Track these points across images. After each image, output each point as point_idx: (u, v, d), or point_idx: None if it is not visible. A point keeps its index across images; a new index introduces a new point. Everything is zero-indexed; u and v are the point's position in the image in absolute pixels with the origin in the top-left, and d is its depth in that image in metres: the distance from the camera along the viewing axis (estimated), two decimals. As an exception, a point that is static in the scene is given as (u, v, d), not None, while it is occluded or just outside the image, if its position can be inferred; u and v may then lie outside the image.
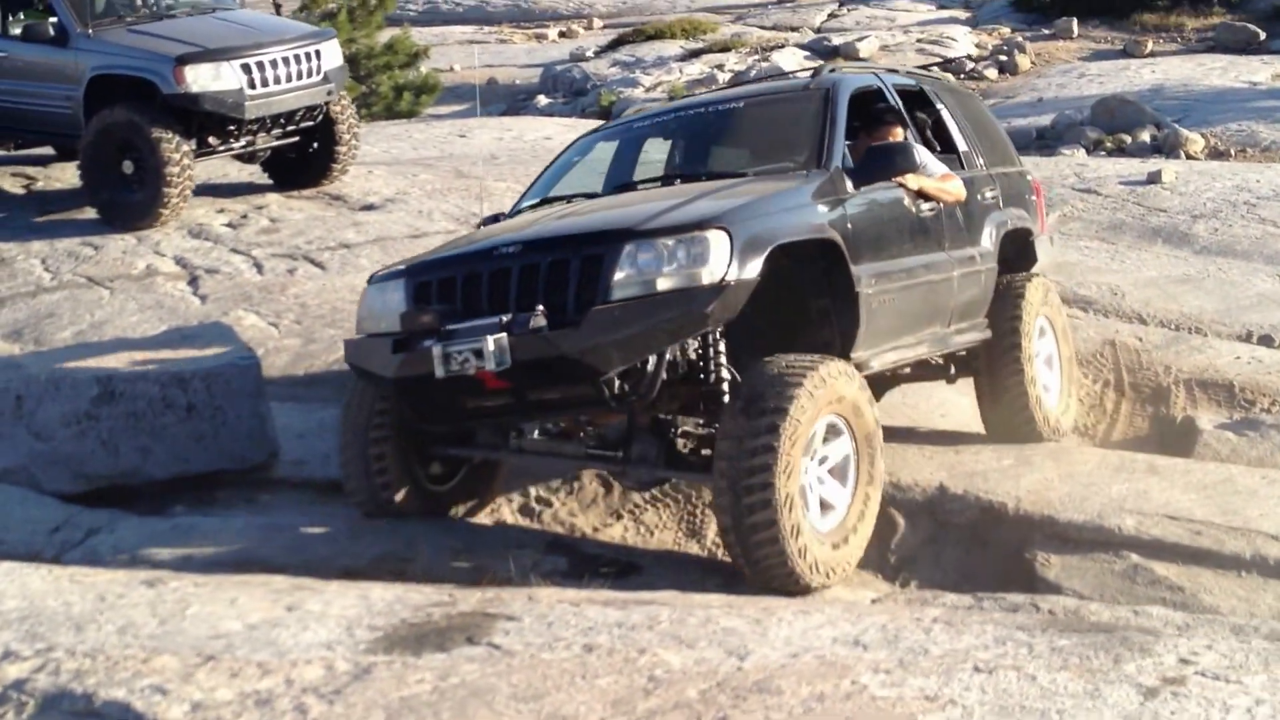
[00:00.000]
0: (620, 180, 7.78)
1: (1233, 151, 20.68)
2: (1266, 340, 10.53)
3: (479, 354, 5.82)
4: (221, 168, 13.77)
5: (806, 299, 6.69)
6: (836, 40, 32.82)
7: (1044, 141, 22.34)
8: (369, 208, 12.67)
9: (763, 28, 42.09)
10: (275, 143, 12.68)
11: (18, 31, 12.43)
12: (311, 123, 12.66)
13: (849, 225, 6.63)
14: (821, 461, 6.09)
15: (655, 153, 8.11)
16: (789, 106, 7.61)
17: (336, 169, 13.25)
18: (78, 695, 4.26)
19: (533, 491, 7.65)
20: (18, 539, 6.96)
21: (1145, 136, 21.29)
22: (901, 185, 7.21)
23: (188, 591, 5.25)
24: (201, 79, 11.58)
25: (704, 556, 7.09)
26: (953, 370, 8.32)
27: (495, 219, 7.88)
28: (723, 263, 5.80)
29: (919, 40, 33.45)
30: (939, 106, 8.43)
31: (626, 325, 5.74)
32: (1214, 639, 4.57)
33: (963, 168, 8.25)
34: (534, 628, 4.70)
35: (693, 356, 6.17)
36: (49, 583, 5.40)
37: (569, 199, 7.59)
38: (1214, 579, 6.46)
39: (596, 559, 6.69)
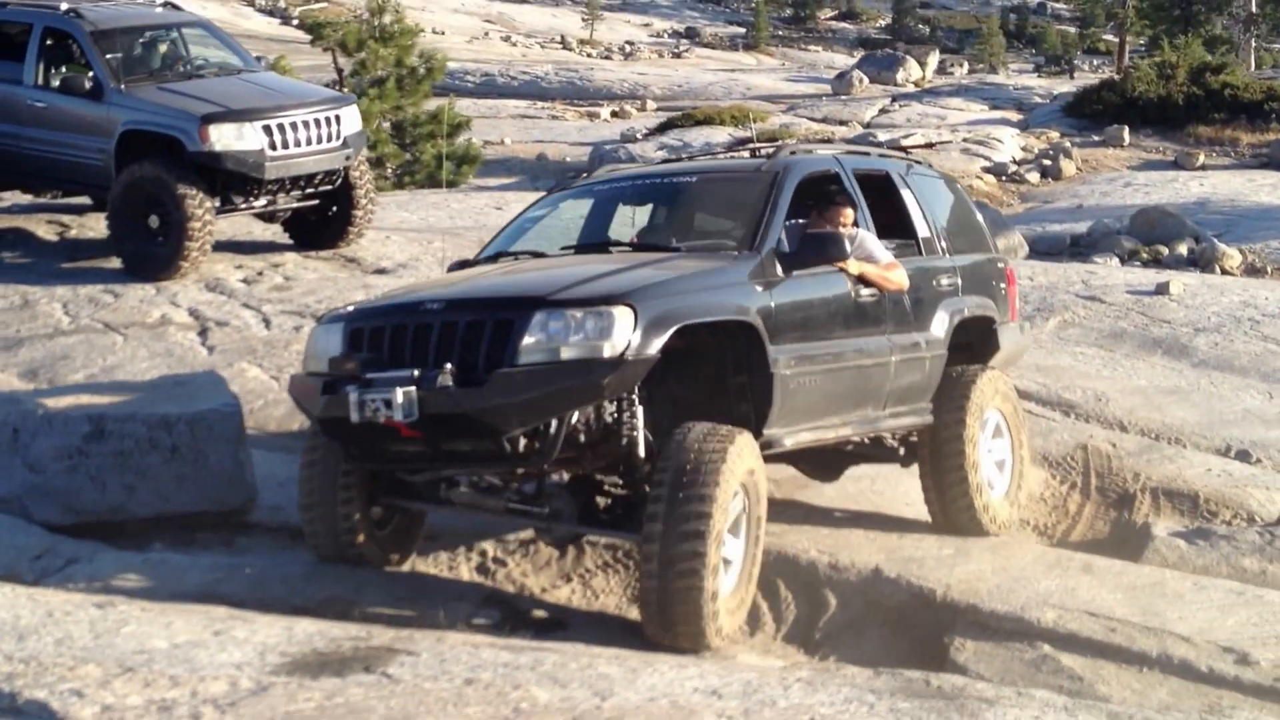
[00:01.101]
0: (570, 241, 8.29)
1: (1269, 269, 21.03)
2: (1244, 455, 10.83)
3: (389, 404, 6.32)
4: (246, 226, 14.47)
5: (725, 375, 7.15)
6: (883, 136, 33.36)
7: (1077, 249, 22.65)
8: (380, 271, 13.33)
9: (812, 119, 42.82)
10: (295, 204, 13.37)
11: (56, 84, 13.22)
12: (330, 186, 13.34)
13: (772, 307, 7.10)
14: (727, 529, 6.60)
15: (612, 217, 8.58)
16: (737, 186, 8.13)
17: (353, 232, 13.91)
18: (4, 694, 4.78)
19: (489, 551, 8.13)
20: (1, 563, 7.52)
21: (1183, 249, 21.47)
22: (842, 270, 7.68)
23: (130, 614, 5.79)
24: (225, 138, 12.30)
25: (639, 620, 7.56)
26: (902, 453, 8.78)
27: (464, 264, 8.41)
28: (624, 337, 6.29)
29: (965, 140, 33.96)
30: (903, 192, 8.84)
31: (527, 389, 6.24)
32: (1044, 711, 5.01)
33: (920, 254, 8.68)
34: (428, 662, 5.21)
35: (609, 419, 6.67)
36: (7, 598, 5.96)
37: (517, 255, 8.09)
38: (1115, 672, 6.85)
39: (528, 615, 7.18)
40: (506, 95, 56.76)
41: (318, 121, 12.88)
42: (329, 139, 12.96)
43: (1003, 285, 9.51)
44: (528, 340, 6.31)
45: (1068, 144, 34.07)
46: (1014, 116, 40.00)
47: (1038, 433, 10.56)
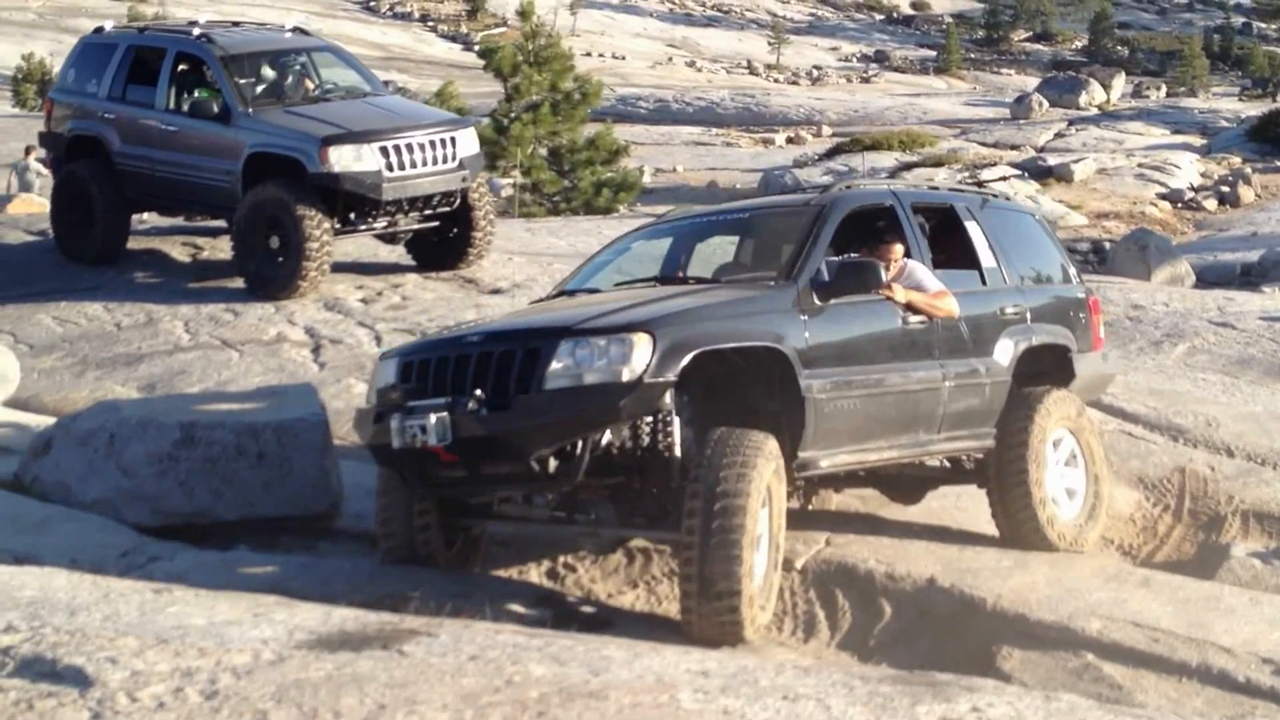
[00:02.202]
0: (625, 278, 8.91)
1: None
2: (1345, 482, 10.89)
3: (424, 429, 6.97)
4: (372, 248, 15.21)
5: (759, 399, 7.63)
6: (1053, 161, 33.35)
7: (1247, 278, 22.46)
8: (495, 291, 13.94)
9: (983, 144, 42.87)
10: (415, 225, 14.06)
11: (186, 108, 14.12)
12: (448, 208, 13.99)
13: (806, 334, 7.59)
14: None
15: (670, 254, 9.19)
16: (785, 220, 8.73)
17: (472, 254, 14.55)
18: (47, 660, 5.36)
19: (561, 559, 8.64)
20: (89, 559, 8.19)
21: (1357, 280, 21.29)
22: (889, 298, 8.13)
23: (181, 598, 6.35)
24: (344, 159, 13.02)
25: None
26: (976, 474, 9.14)
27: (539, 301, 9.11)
28: (642, 362, 6.84)
29: (1140, 165, 33.70)
30: (967, 224, 9.25)
31: (550, 412, 6.86)
32: (1020, 698, 5.33)
33: (984, 284, 9.08)
34: (443, 642, 5.67)
35: (646, 439, 7.17)
36: (71, 581, 6.60)
37: (575, 292, 8.77)
38: (1154, 681, 7.06)
39: (578, 612, 7.65)
40: (681, 121, 57.61)
41: (434, 143, 13.55)
42: (445, 160, 13.62)
43: (1083, 315, 9.86)
44: (554, 366, 6.90)
45: (1248, 170, 33.65)
46: (1197, 141, 39.59)
47: (1135, 455, 10.73)
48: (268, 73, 14.63)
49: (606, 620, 7.65)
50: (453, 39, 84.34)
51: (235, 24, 16.14)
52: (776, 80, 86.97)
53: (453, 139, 13.76)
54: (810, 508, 9.48)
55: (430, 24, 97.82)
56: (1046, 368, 9.34)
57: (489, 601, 7.46)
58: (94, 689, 5.23)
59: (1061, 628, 7.52)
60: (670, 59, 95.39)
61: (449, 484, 7.53)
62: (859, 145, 40.64)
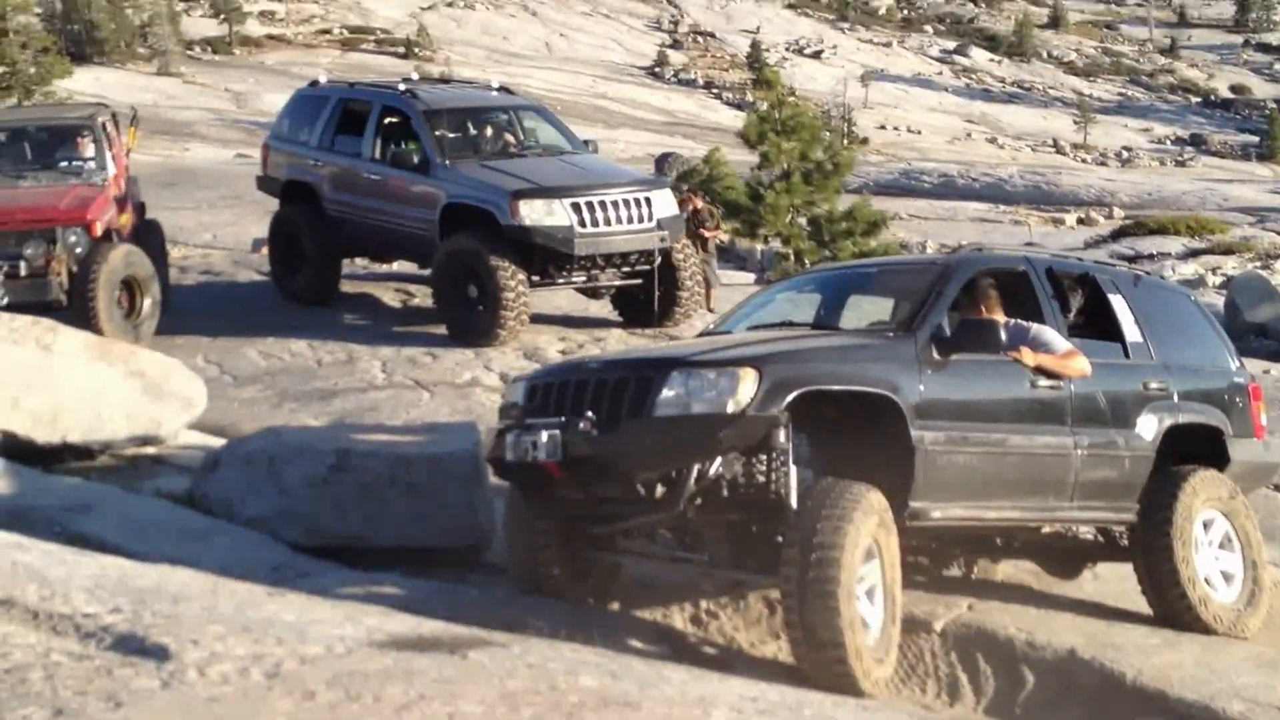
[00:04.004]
0: (756, 323, 9.40)
1: None
2: None
3: (535, 445, 7.55)
4: (584, 303, 15.86)
5: (874, 447, 7.89)
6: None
7: None
8: (695, 350, 14.42)
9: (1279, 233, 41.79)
10: (617, 281, 14.70)
11: (389, 158, 15.10)
12: (648, 266, 14.58)
13: (920, 385, 7.92)
14: (860, 580, 7.30)
15: (806, 303, 9.71)
16: (912, 277, 9.18)
17: (679, 312, 15.10)
18: (139, 637, 5.93)
19: (704, 605, 9.01)
20: (240, 570, 8.80)
21: None
22: (1017, 360, 8.40)
23: (286, 599, 6.96)
24: (535, 213, 13.76)
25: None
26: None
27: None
28: (748, 396, 7.27)
29: None
30: (1111, 297, 9.47)
31: (654, 438, 7.38)
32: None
33: (1126, 357, 9.28)
34: (510, 652, 6.07)
35: (759, 474, 7.52)
36: (191, 575, 7.24)
37: (712, 334, 9.44)
38: (1283, 766, 7.12)
39: (697, 652, 8.01)
40: (967, 197, 57.40)
41: (627, 202, 14.19)
42: (641, 220, 14.25)
43: (1240, 400, 9.92)
44: (665, 394, 7.39)
45: None
46: None
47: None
48: (469, 127, 15.56)
49: (726, 663, 7.94)
50: (738, 106, 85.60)
51: (444, 81, 17.21)
52: (1084, 160, 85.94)
53: (648, 199, 14.42)
54: (973, 575, 9.71)
55: (715, 91, 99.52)
56: (1199, 450, 9.45)
57: (601, 631, 7.85)
58: (169, 663, 5.77)
59: (1202, 706, 7.56)
60: (969, 134, 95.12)
61: (565, 504, 8.04)
62: (1144, 229, 40.12)
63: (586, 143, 16.40)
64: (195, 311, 15.86)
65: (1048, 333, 8.76)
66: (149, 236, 16.14)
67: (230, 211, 33.34)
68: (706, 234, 21.49)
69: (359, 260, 17.39)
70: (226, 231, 28.88)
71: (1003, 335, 8.29)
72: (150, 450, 10.92)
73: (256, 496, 9.46)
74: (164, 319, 14.86)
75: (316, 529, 9.35)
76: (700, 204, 22.39)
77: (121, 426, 10.68)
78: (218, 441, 10.88)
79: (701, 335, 9.51)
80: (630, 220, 14.25)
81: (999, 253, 9.92)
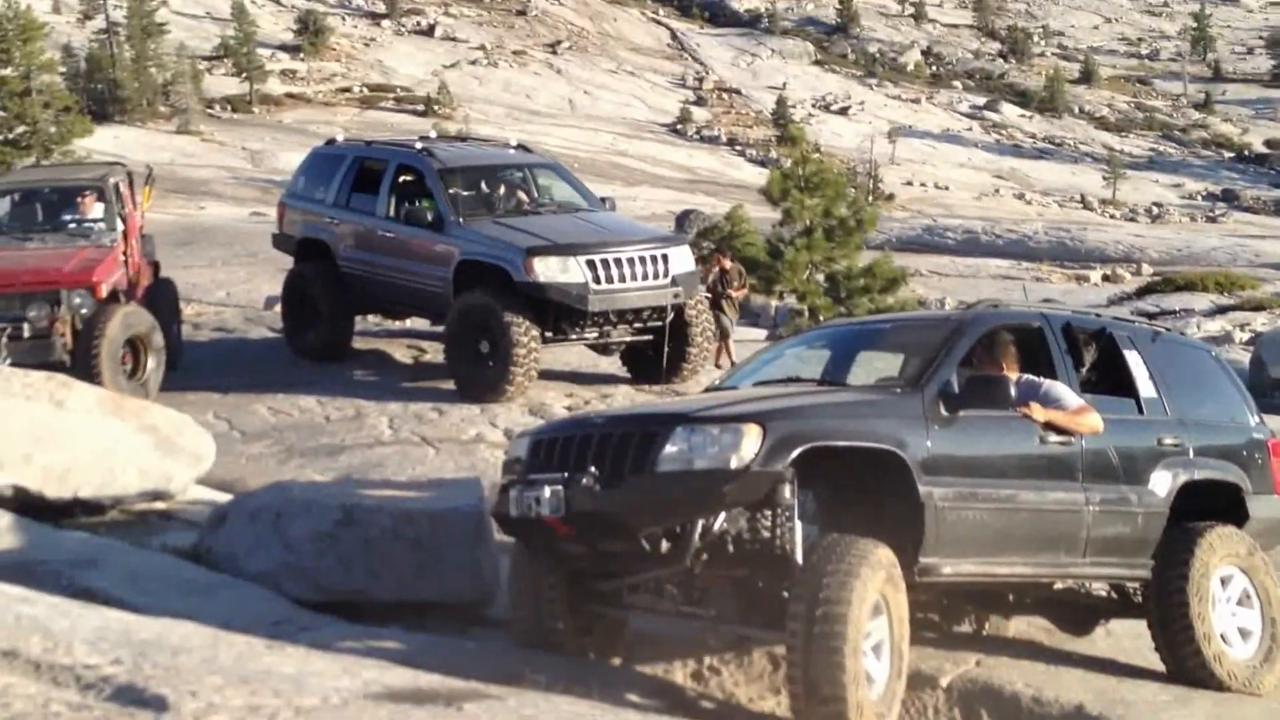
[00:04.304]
0: (762, 378, 9.48)
1: None
2: None
3: (539, 500, 7.66)
4: (593, 358, 16.02)
5: (882, 504, 7.97)
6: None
7: None
8: (700, 407, 14.58)
9: (1314, 290, 41.79)
10: (627, 338, 14.87)
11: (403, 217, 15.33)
12: (660, 322, 14.74)
13: (928, 442, 7.97)
14: (866, 636, 7.39)
15: (813, 359, 9.85)
16: (922, 333, 9.30)
17: (687, 369, 15.21)
18: (138, 688, 6.05)
19: (706, 660, 9.10)
20: (242, 624, 8.92)
21: None
22: (1027, 416, 8.45)
23: (285, 651, 7.08)
24: (549, 270, 13.94)
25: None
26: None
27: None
28: (751, 452, 7.34)
29: None
30: (1126, 353, 9.52)
31: (658, 492, 7.45)
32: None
33: (1140, 413, 9.33)
34: (504, 705, 6.16)
35: (764, 529, 7.59)
36: (193, 629, 7.37)
37: (718, 390, 9.56)
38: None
39: (694, 706, 8.10)
40: (990, 254, 57.42)
41: (643, 259, 14.37)
42: (657, 276, 14.42)
43: (1260, 456, 9.95)
44: (669, 450, 7.47)
45: None
46: None
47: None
48: (484, 185, 15.81)
49: (724, 717, 8.05)
50: (761, 163, 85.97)
51: (461, 139, 17.47)
52: (1112, 216, 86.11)
53: (664, 255, 14.59)
54: (984, 632, 9.79)
55: (738, 148, 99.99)
56: (1218, 506, 9.48)
57: (599, 685, 7.95)
58: (167, 713, 5.88)
59: (1202, 764, 7.63)
60: (997, 190, 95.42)
61: (570, 559, 8.15)
62: (1171, 285, 40.20)
63: (603, 200, 16.61)
64: (207, 368, 16.09)
65: (1059, 388, 8.82)
66: (161, 294, 16.38)
67: (244, 269, 33.59)
68: (734, 293, 21.70)
69: (372, 317, 17.63)
70: (240, 289, 29.11)
71: (1012, 391, 8.38)
72: (160, 505, 11.07)
73: (262, 551, 9.58)
74: (176, 375, 15.09)
75: (320, 583, 9.46)
76: (728, 264, 22.62)
77: (133, 481, 10.82)
78: (226, 496, 11.04)
79: (707, 390, 9.58)
80: (645, 277, 14.43)
81: (1014, 309, 9.86)
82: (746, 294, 26.30)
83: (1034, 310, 9.77)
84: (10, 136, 54.88)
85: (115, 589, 8.73)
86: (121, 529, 10.32)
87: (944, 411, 8.19)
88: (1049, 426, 8.62)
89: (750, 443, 7.40)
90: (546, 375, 15.08)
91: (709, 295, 20.20)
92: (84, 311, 14.03)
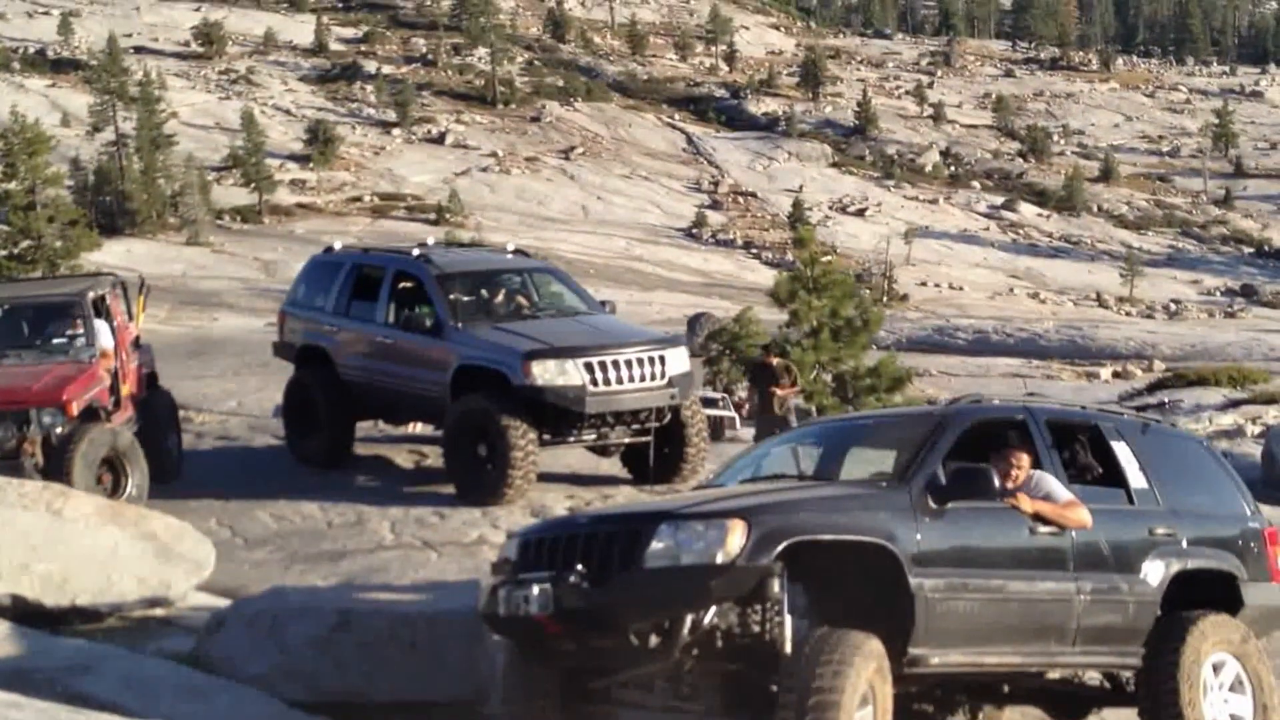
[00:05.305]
0: (754, 475, 9.76)
1: None
2: None
3: (527, 599, 7.89)
4: (594, 461, 16.32)
5: (871, 596, 8.19)
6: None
7: None
8: (703, 507, 14.87)
9: (1324, 386, 41.92)
10: (626, 439, 15.16)
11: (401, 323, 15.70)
12: (658, 423, 15.04)
13: (916, 535, 8.22)
14: None
15: (801, 456, 10.08)
16: (907, 428, 9.51)
17: (686, 469, 15.49)
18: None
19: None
20: (232, 727, 9.26)
21: None
22: (1015, 508, 8.72)
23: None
24: (547, 374, 14.27)
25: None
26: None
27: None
28: (736, 547, 7.61)
29: None
30: (1114, 444, 9.72)
31: (645, 589, 7.69)
32: None
33: (1131, 503, 9.53)
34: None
35: (754, 623, 7.83)
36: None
37: (706, 488, 9.93)
38: None
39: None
40: (1001, 352, 57.86)
41: (640, 361, 14.69)
42: (654, 378, 14.74)
43: (1255, 544, 10.12)
44: (655, 546, 7.74)
45: None
46: None
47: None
48: (482, 291, 16.18)
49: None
50: (777, 266, 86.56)
51: (461, 245, 17.86)
52: (1128, 313, 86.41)
53: (661, 357, 14.91)
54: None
55: (754, 251, 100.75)
56: (1212, 595, 9.64)
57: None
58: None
59: None
60: (1012, 290, 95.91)
61: (560, 656, 8.35)
62: (1182, 380, 40.46)
63: (603, 303, 16.91)
64: (210, 476, 16.39)
65: (1049, 480, 9.05)
66: (156, 405, 16.59)
67: (255, 379, 34.17)
68: (780, 391, 22.04)
69: (381, 424, 17.97)
70: (252, 398, 29.63)
71: (997, 482, 8.61)
72: (159, 612, 11.31)
73: (258, 654, 9.81)
74: (177, 484, 15.36)
75: (316, 686, 9.68)
76: (775, 361, 23.07)
77: (131, 589, 11.07)
78: (226, 603, 11.28)
79: (696, 488, 9.85)
80: (643, 379, 14.72)
81: (996, 403, 10.13)
82: (799, 391, 26.53)
83: (1017, 404, 10.02)
84: (15, 251, 55.39)
85: (109, 694, 8.96)
86: (118, 635, 10.56)
87: (932, 504, 8.44)
88: (1037, 518, 8.84)
89: (735, 538, 7.66)
90: (548, 477, 15.35)
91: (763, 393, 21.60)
92: (58, 430, 13.99)
